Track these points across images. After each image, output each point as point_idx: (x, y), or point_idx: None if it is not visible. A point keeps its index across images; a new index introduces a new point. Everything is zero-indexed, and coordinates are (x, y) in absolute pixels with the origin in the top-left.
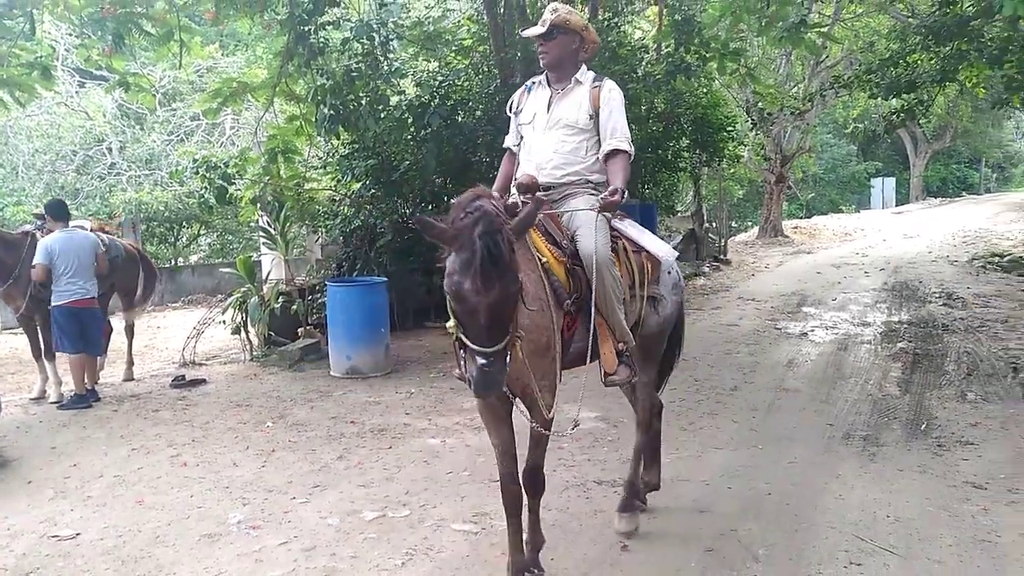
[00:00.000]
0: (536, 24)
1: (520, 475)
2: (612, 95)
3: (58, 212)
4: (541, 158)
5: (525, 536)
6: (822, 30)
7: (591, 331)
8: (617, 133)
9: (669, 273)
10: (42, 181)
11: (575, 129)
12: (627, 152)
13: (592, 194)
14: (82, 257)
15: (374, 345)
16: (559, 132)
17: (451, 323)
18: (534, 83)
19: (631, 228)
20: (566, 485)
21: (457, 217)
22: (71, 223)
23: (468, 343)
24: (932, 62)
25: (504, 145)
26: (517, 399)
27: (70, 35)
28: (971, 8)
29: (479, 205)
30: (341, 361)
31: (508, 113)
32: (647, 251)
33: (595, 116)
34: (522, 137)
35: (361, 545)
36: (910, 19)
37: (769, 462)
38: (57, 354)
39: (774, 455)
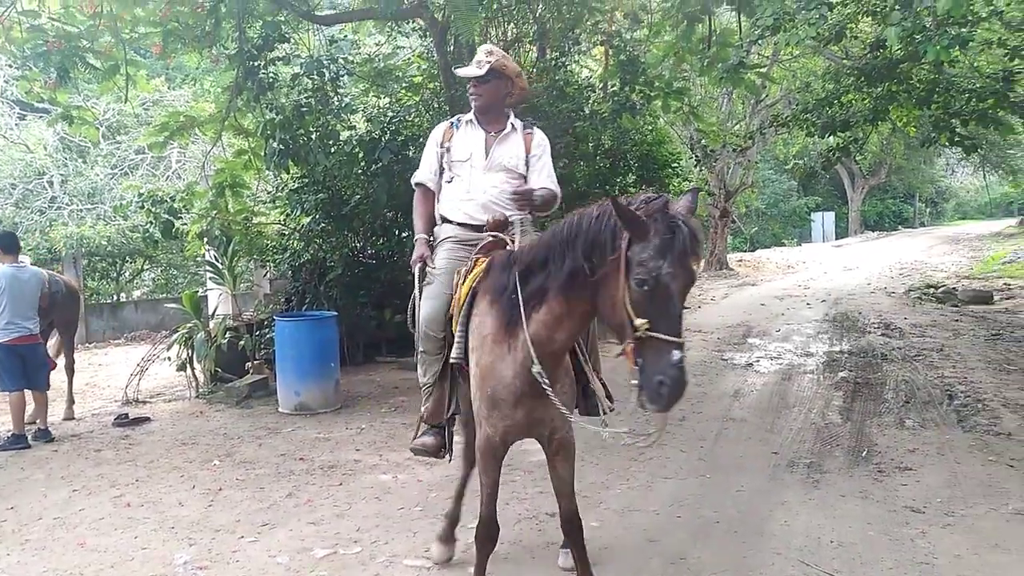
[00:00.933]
0: (471, 64)
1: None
2: (544, 142)
3: (9, 245)
4: (486, 197)
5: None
6: (761, 71)
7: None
8: (553, 176)
9: None
10: None
11: (515, 174)
12: (559, 195)
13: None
14: (27, 294)
15: (324, 380)
16: (500, 174)
17: (640, 321)
18: (460, 120)
19: None
20: (519, 518)
21: (631, 209)
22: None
23: (666, 336)
24: (865, 102)
25: (417, 180)
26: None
27: (10, 66)
28: (899, 52)
29: (652, 196)
30: (290, 397)
31: (437, 148)
32: None
33: (527, 161)
34: (454, 174)
35: None
36: (844, 61)
37: (717, 490)
38: None
39: (722, 484)
